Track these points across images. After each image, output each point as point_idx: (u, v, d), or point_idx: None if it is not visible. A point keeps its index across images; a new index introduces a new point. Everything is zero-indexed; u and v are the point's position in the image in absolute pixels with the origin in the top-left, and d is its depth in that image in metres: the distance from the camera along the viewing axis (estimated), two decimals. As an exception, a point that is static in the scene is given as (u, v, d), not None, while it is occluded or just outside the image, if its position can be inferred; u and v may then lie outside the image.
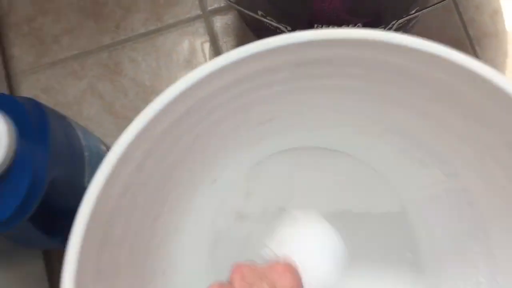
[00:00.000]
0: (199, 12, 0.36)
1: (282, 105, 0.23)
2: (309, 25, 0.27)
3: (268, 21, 0.28)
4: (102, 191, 0.15)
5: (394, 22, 0.28)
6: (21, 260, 0.31)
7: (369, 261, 0.30)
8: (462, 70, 0.17)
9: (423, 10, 0.28)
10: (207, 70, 0.16)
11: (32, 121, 0.24)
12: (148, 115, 0.15)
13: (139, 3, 0.36)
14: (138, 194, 0.18)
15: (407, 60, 0.17)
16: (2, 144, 0.22)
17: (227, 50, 0.35)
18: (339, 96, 0.23)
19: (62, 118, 0.28)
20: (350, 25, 0.27)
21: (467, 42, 0.34)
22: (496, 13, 0.34)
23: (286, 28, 0.28)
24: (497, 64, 0.34)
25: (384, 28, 0.28)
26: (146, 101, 0.35)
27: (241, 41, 0.35)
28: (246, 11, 0.28)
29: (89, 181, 0.28)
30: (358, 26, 0.27)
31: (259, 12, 0.28)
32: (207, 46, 0.35)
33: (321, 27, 0.27)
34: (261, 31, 0.34)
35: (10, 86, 0.35)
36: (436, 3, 0.27)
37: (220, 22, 0.36)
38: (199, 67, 0.16)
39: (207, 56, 0.35)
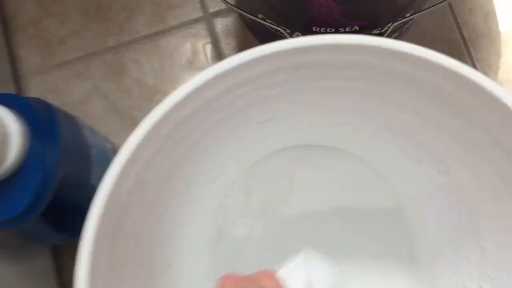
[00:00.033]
0: (200, 14, 0.37)
1: (282, 105, 0.24)
2: (307, 28, 0.28)
3: (268, 24, 0.29)
4: (114, 187, 0.16)
5: (390, 24, 0.28)
6: (30, 254, 0.32)
7: (367, 256, 0.31)
8: (453, 74, 0.17)
9: (418, 13, 0.28)
10: (211, 74, 0.17)
11: (42, 120, 0.25)
12: (156, 116, 0.16)
13: (142, 6, 0.37)
14: (145, 191, 0.19)
15: (400, 64, 0.18)
16: (14, 143, 0.23)
17: (228, 51, 0.36)
18: (338, 97, 0.24)
19: (70, 117, 0.29)
20: (347, 28, 0.28)
21: (462, 43, 0.35)
22: (489, 15, 0.35)
23: (285, 30, 0.29)
24: (490, 63, 0.35)
25: (380, 30, 0.29)
26: (150, 100, 0.36)
27: (242, 42, 0.36)
28: (246, 14, 0.29)
29: (96, 178, 0.29)
30: (355, 29, 0.28)
31: (259, 15, 0.29)
32: (208, 47, 0.36)
33: (319, 29, 0.28)
34: (261, 33, 0.34)
35: (18, 86, 0.36)
36: (431, 6, 0.28)
37: (221, 24, 0.36)
38: (203, 72, 0.17)
39: (209, 57, 0.36)
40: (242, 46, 0.36)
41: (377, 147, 0.29)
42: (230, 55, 0.36)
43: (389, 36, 0.29)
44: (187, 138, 0.20)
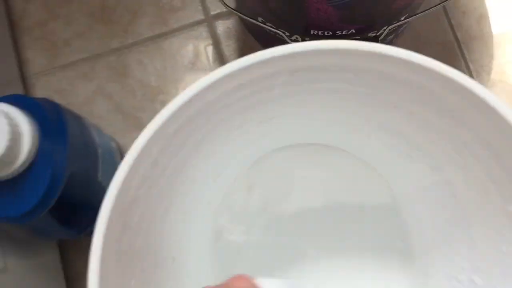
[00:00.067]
0: (202, 17, 0.37)
1: (282, 105, 0.25)
2: (306, 31, 0.29)
3: (267, 27, 0.30)
4: (123, 183, 0.17)
5: (385, 27, 0.29)
6: (38, 248, 0.33)
7: (363, 251, 0.31)
8: (442, 78, 0.18)
9: (413, 17, 0.29)
10: (214, 78, 0.18)
11: (51, 120, 0.26)
12: (163, 117, 0.18)
13: (145, 9, 0.38)
14: (152, 187, 0.20)
15: (392, 68, 0.19)
16: (26, 142, 0.24)
17: (229, 53, 0.37)
18: (334, 98, 0.25)
19: (77, 117, 0.30)
20: (344, 31, 0.29)
21: (456, 45, 0.36)
22: (482, 17, 0.36)
23: (284, 33, 0.30)
24: (483, 64, 0.36)
25: (376, 33, 0.30)
26: (153, 101, 0.37)
27: (242, 44, 0.37)
28: (247, 18, 0.30)
29: (102, 176, 0.30)
30: (352, 32, 0.29)
31: (259, 19, 0.30)
32: (210, 49, 0.37)
33: (317, 32, 0.29)
34: (261, 35, 0.35)
35: (24, 87, 0.37)
36: (426, 10, 0.29)
37: (222, 26, 0.37)
38: (207, 75, 0.18)
39: (210, 58, 0.37)
40: (243, 47, 0.37)
41: (373, 146, 0.29)
42: (231, 56, 0.37)
43: (384, 38, 0.30)
44: (192, 137, 0.21)
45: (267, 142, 0.30)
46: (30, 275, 0.31)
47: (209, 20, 0.37)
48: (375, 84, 0.21)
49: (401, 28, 0.32)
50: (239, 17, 0.36)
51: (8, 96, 0.26)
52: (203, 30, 0.37)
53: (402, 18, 0.29)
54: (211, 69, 0.37)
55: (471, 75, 0.36)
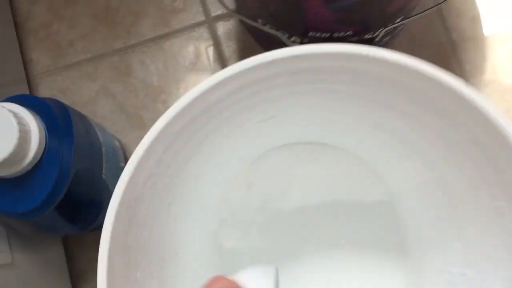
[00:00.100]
0: (203, 18, 0.38)
1: (281, 105, 0.26)
2: (304, 33, 0.30)
3: (267, 28, 0.30)
4: (130, 180, 0.18)
5: (381, 29, 0.30)
6: (43, 244, 0.33)
7: (360, 246, 0.32)
8: (434, 80, 0.19)
9: (408, 19, 0.30)
10: (216, 80, 0.19)
11: (58, 119, 0.27)
12: (168, 117, 0.18)
13: (148, 10, 0.38)
14: (157, 183, 0.21)
15: (387, 70, 0.20)
16: (34, 141, 0.25)
17: (230, 53, 0.38)
18: (332, 98, 0.25)
19: (82, 116, 0.30)
20: (342, 33, 0.30)
21: (449, 46, 0.37)
22: (475, 19, 0.37)
23: (284, 34, 0.31)
24: (476, 65, 0.37)
25: (372, 34, 0.31)
26: (155, 100, 0.38)
27: (243, 45, 0.38)
28: (247, 20, 0.31)
29: (106, 174, 0.31)
30: (349, 33, 0.30)
31: (259, 21, 0.30)
32: (211, 50, 0.38)
33: (316, 34, 0.30)
34: (261, 37, 0.36)
35: (29, 87, 0.38)
36: (420, 13, 0.30)
37: (223, 28, 0.38)
38: (210, 77, 0.19)
39: (211, 59, 0.38)
40: (243, 48, 0.38)
41: (369, 144, 0.30)
42: (231, 57, 0.38)
43: (380, 40, 0.31)
44: (195, 136, 0.22)
45: (266, 140, 0.31)
46: (36, 270, 0.32)
47: (210, 22, 0.38)
48: (370, 86, 0.22)
49: (397, 30, 0.33)
50: (240, 19, 0.37)
51: (17, 96, 0.26)
52: (204, 31, 0.38)
53: (397, 21, 0.30)
54: (212, 70, 0.38)
55: (464, 76, 0.36)
